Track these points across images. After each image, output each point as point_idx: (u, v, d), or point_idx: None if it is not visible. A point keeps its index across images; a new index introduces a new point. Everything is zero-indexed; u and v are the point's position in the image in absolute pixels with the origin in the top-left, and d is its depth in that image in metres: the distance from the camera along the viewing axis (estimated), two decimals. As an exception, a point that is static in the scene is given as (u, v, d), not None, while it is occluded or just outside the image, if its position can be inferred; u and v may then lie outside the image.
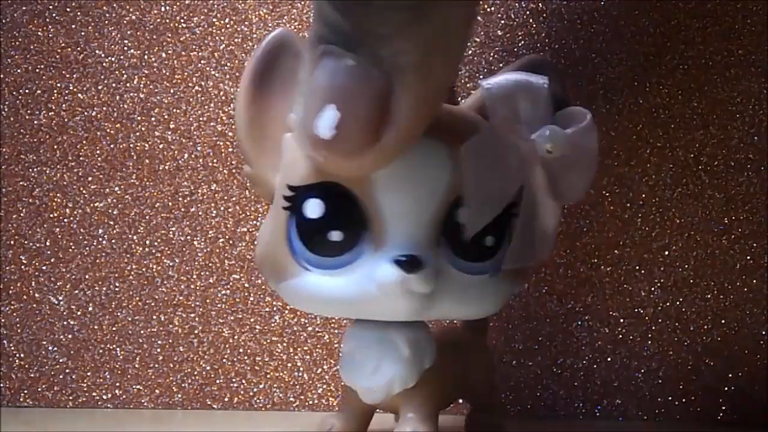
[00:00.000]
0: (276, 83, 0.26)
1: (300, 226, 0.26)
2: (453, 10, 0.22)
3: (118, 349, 0.42)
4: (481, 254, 0.26)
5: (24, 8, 0.43)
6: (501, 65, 0.40)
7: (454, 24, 0.22)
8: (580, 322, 0.39)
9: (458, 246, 0.26)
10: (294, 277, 0.26)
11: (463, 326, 0.33)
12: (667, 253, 0.39)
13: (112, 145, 0.42)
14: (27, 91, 0.43)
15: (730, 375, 0.39)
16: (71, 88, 0.43)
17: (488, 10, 0.41)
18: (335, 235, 0.25)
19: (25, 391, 0.42)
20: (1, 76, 0.43)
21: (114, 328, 0.42)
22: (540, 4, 0.41)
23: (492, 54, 0.40)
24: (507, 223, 0.26)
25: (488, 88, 0.25)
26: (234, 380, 0.41)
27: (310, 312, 0.28)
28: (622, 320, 0.39)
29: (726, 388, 0.39)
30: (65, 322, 0.42)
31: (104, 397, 0.42)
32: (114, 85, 0.43)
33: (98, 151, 0.42)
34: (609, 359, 0.39)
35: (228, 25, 0.42)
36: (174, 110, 0.42)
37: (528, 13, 0.41)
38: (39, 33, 0.43)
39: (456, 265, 0.26)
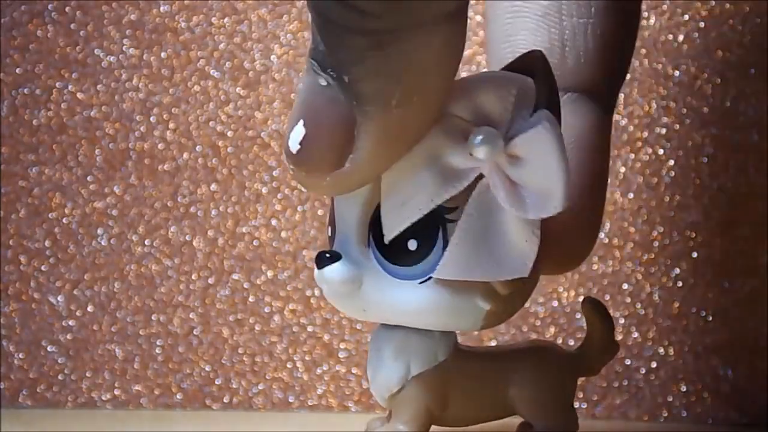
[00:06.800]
0: None
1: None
2: (418, 42, 0.21)
3: (117, 349, 0.42)
4: (404, 257, 0.25)
5: (23, 8, 0.43)
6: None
7: (419, 58, 0.22)
8: (581, 323, 0.39)
9: (384, 247, 0.25)
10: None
11: (573, 351, 0.31)
12: (667, 253, 0.39)
13: (111, 145, 0.42)
14: (26, 91, 0.43)
15: (730, 375, 0.39)
16: (70, 87, 0.43)
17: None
18: (329, 231, 0.26)
19: (25, 392, 0.42)
20: (1, 75, 0.43)
21: (114, 329, 0.42)
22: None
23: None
24: (439, 228, 0.25)
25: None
26: (233, 380, 0.41)
27: None
28: (622, 320, 0.39)
29: (726, 388, 0.39)
30: (65, 322, 0.42)
31: (104, 397, 0.42)
32: (113, 84, 0.43)
33: (98, 151, 0.42)
34: (609, 359, 0.39)
35: (227, 25, 0.42)
36: (174, 110, 0.42)
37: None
38: (38, 33, 0.43)
39: (384, 267, 0.25)
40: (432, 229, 0.25)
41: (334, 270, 0.25)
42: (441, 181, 0.24)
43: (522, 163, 0.23)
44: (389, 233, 0.24)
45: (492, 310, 0.26)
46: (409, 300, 0.25)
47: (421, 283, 0.25)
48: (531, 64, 0.25)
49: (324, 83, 0.22)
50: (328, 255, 0.25)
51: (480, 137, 0.23)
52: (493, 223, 0.24)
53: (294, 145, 0.23)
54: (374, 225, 0.25)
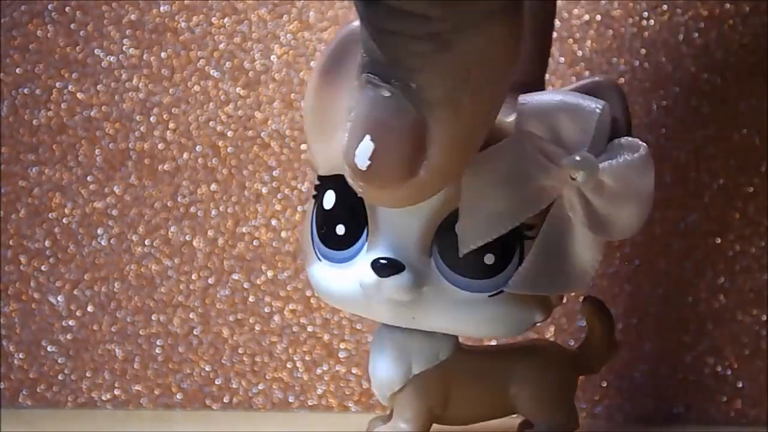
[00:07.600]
0: (344, 76, 0.26)
1: (318, 215, 0.26)
2: (482, 37, 0.21)
3: (117, 349, 0.42)
4: (479, 271, 0.25)
5: (23, 8, 0.43)
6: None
7: (481, 55, 0.22)
8: (581, 323, 0.39)
9: (453, 259, 0.25)
10: (311, 265, 0.27)
11: (573, 349, 0.31)
12: (667, 253, 0.39)
13: (111, 145, 0.42)
14: (26, 91, 0.43)
15: (730, 375, 0.39)
16: (70, 87, 0.43)
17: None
18: (340, 229, 0.26)
19: (25, 392, 0.42)
20: (1, 76, 0.43)
21: (113, 329, 0.42)
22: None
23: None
24: (518, 245, 0.25)
25: (522, 104, 0.24)
26: (233, 380, 0.41)
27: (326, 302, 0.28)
28: (622, 320, 0.39)
29: (726, 388, 0.39)
30: (65, 322, 0.42)
31: (104, 397, 0.42)
32: (113, 84, 0.43)
33: (98, 151, 0.42)
34: (609, 359, 0.39)
35: (227, 25, 0.42)
36: (174, 110, 0.42)
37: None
38: (38, 33, 0.43)
39: (449, 279, 0.25)
40: (510, 245, 0.25)
41: (399, 279, 0.25)
42: (526, 199, 0.24)
43: (607, 188, 0.24)
44: (466, 248, 0.24)
45: (541, 321, 0.27)
46: (475, 312, 0.25)
47: (490, 296, 0.25)
48: (605, 90, 0.25)
49: (387, 94, 0.22)
50: (385, 262, 0.25)
51: (580, 160, 0.24)
52: (565, 240, 0.25)
53: (362, 162, 0.22)
54: (438, 236, 0.25)
